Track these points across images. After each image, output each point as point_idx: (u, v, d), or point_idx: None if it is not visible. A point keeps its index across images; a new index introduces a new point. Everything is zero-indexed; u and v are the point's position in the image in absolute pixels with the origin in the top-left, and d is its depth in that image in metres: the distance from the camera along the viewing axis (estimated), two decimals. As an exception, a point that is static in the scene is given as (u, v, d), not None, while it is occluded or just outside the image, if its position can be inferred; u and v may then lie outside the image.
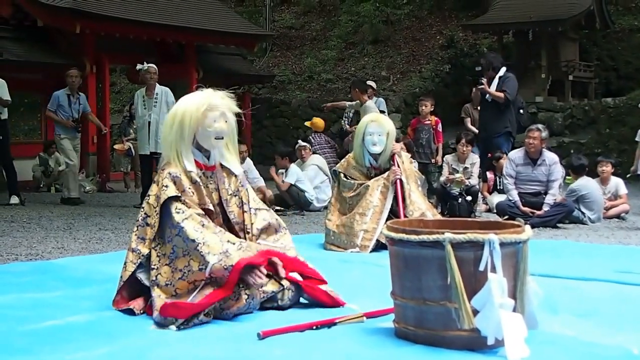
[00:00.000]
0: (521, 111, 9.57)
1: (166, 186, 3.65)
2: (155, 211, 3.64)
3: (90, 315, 3.59)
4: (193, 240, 3.51)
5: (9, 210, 9.29)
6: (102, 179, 13.45)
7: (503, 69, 9.33)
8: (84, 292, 4.20)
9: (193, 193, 3.72)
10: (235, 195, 3.95)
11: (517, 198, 8.22)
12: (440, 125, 10.39)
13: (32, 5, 13.08)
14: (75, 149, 10.74)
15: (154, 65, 9.88)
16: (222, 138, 3.82)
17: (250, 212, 3.94)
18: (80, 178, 13.15)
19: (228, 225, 3.87)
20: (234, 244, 3.58)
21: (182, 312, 3.37)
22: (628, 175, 9.28)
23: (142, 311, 3.63)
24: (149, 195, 3.74)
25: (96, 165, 13.86)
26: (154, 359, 2.93)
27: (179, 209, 3.60)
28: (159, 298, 3.49)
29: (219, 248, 3.50)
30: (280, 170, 9.36)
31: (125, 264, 3.70)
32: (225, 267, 3.44)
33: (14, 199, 9.93)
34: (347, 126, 10.78)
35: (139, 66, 9.95)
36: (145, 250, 3.65)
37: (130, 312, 3.63)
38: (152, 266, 3.60)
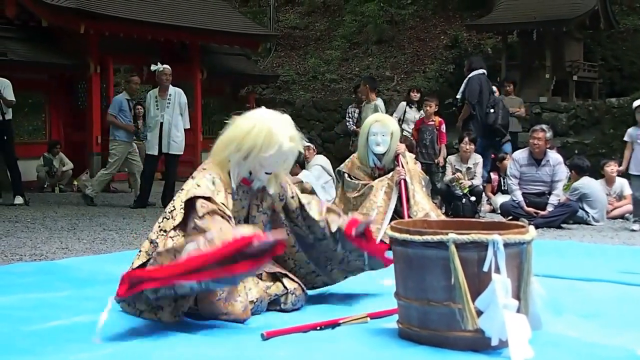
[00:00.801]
0: (491, 110, 9.65)
1: (198, 185, 3.57)
2: (181, 205, 3.53)
3: (94, 315, 3.59)
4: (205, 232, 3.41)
5: (13, 210, 9.30)
6: (106, 179, 13.44)
7: (474, 72, 9.56)
8: (87, 292, 4.20)
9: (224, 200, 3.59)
10: (264, 213, 3.88)
11: (521, 198, 8.21)
12: (444, 126, 10.37)
13: (37, 5, 13.08)
14: (134, 153, 10.71)
15: (168, 67, 9.86)
16: (271, 174, 3.76)
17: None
18: (84, 178, 13.17)
19: None
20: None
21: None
22: (613, 174, 9.25)
23: None
24: (182, 189, 3.64)
25: (101, 165, 13.86)
26: (157, 360, 2.93)
27: (204, 205, 3.48)
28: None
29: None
30: (304, 171, 9.27)
31: (139, 252, 3.64)
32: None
33: (19, 199, 9.94)
34: (353, 126, 10.77)
35: (153, 67, 9.95)
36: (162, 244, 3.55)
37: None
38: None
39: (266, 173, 3.71)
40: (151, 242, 3.59)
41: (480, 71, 9.63)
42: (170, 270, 3.26)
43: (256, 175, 3.73)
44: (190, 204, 3.51)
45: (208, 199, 3.50)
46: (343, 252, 3.98)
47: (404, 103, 11.56)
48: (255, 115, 3.70)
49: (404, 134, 11.36)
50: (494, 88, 10.39)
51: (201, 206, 3.47)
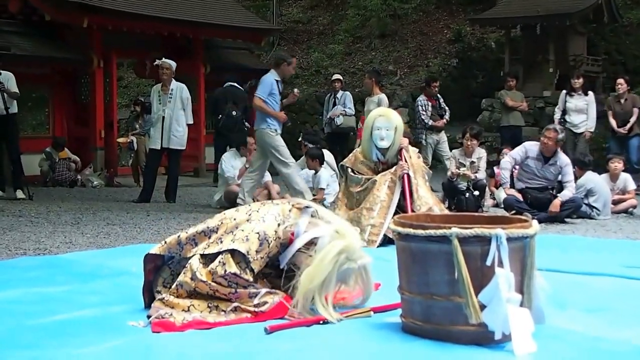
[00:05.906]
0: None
1: (247, 239, 3.48)
2: (230, 244, 3.48)
3: (98, 310, 3.60)
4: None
5: (16, 204, 9.31)
6: (109, 174, 13.47)
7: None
8: (91, 286, 4.21)
9: (261, 259, 3.53)
10: None
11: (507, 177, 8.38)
12: None
13: (40, 0, 13.10)
14: None
15: (167, 61, 9.87)
16: None
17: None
18: (88, 173, 13.18)
19: None
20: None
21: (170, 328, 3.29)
22: (617, 171, 9.22)
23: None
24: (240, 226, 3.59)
25: (104, 160, 13.88)
26: (161, 354, 2.93)
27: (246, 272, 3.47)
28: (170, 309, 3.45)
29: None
30: (306, 170, 9.23)
31: (164, 242, 3.67)
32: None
33: (20, 194, 9.95)
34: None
35: (157, 62, 9.99)
36: (187, 254, 3.59)
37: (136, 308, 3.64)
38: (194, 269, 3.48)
39: None
40: (178, 243, 3.63)
41: (229, 84, 10.64)
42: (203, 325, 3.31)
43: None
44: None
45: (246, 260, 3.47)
46: None
47: (564, 92, 11.26)
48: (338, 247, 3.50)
49: (566, 125, 10.87)
50: None
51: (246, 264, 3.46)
